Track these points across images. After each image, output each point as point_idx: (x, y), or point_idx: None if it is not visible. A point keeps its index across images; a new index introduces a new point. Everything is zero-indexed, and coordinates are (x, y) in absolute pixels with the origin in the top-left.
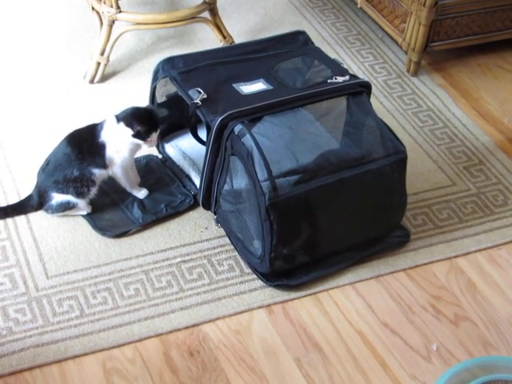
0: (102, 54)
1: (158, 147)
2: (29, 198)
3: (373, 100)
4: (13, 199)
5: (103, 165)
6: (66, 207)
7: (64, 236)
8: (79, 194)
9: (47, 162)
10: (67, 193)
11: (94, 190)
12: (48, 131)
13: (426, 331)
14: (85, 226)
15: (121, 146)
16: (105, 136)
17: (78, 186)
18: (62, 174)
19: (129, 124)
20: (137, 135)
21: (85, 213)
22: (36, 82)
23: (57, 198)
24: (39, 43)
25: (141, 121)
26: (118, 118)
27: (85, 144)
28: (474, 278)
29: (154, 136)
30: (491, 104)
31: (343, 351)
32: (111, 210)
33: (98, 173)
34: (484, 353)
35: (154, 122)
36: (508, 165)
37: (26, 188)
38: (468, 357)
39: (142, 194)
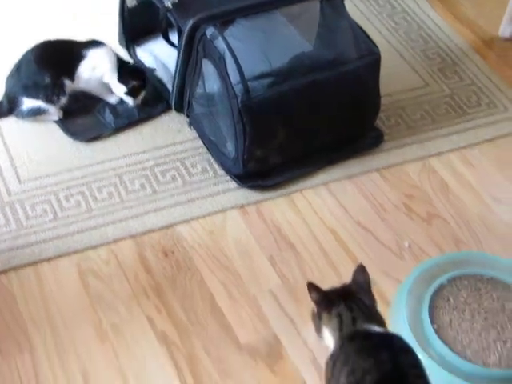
0: None
1: (129, 51)
2: None
3: (347, 2)
4: None
5: (73, 78)
6: (36, 112)
7: (36, 141)
8: (50, 101)
9: (17, 67)
10: (37, 98)
11: (64, 99)
12: (15, 38)
13: (398, 229)
14: (56, 131)
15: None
16: (89, 58)
17: (49, 93)
18: (33, 80)
19: (124, 81)
20: (129, 93)
21: (56, 118)
22: None
23: (27, 103)
24: None
25: (136, 79)
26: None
27: (60, 55)
28: (446, 177)
29: (142, 95)
30: (466, 5)
31: (316, 249)
32: (83, 115)
33: (69, 84)
34: (455, 249)
35: (145, 81)
36: (482, 66)
37: None
38: (439, 254)
39: (113, 99)
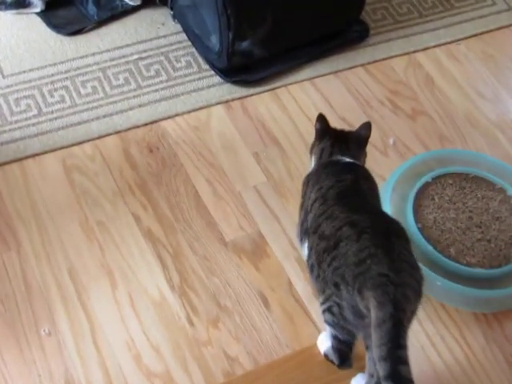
0: None
1: None
2: None
3: None
4: None
5: None
6: (20, 4)
7: (18, 34)
8: None
9: None
10: None
11: None
12: None
13: (383, 125)
14: (39, 24)
15: None
16: None
17: None
18: None
19: None
20: None
21: (38, 10)
22: None
23: None
24: None
25: None
26: None
27: None
28: (432, 72)
29: None
30: None
31: (301, 145)
32: (66, 7)
33: None
34: (440, 146)
35: None
36: None
37: None
38: (424, 150)
39: None
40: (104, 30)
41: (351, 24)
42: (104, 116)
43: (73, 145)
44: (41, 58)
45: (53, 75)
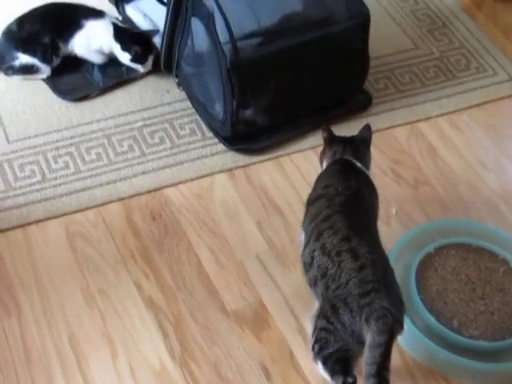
0: None
1: (118, 9)
2: None
3: None
4: None
5: (68, 43)
6: (28, 70)
7: (24, 100)
8: (45, 60)
9: (18, 23)
10: (34, 56)
11: (57, 60)
12: None
13: (386, 195)
14: (45, 90)
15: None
16: (91, 25)
17: (46, 52)
18: (34, 37)
19: (127, 49)
20: (134, 59)
21: (45, 76)
22: None
23: (22, 58)
24: None
25: (139, 44)
26: (116, 37)
27: (63, 19)
28: (434, 142)
29: (150, 60)
30: None
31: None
32: (72, 74)
33: (64, 48)
34: (442, 216)
35: (150, 45)
36: (472, 28)
37: None
38: (426, 220)
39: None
40: (109, 97)
41: (354, 93)
42: (108, 183)
43: (76, 211)
44: (46, 123)
45: (57, 141)
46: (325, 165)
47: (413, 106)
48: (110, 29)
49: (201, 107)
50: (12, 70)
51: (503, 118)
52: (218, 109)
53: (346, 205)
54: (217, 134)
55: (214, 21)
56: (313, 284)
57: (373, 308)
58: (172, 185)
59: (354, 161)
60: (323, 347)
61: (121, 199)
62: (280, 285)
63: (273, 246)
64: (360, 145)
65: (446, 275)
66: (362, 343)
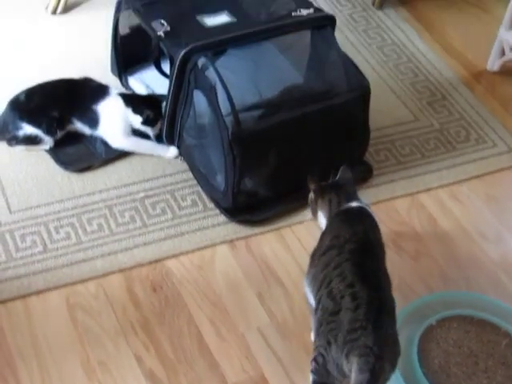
0: None
1: (121, 80)
2: None
3: (337, 33)
4: None
5: (93, 126)
6: (31, 141)
7: (27, 170)
8: (49, 132)
9: (27, 95)
10: (39, 127)
11: (61, 133)
12: (8, 62)
13: (387, 267)
14: (48, 160)
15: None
16: (102, 108)
17: (52, 125)
18: (42, 110)
19: (139, 112)
20: (146, 122)
21: (48, 147)
22: None
23: (26, 129)
24: None
25: (151, 108)
26: (126, 103)
27: (76, 97)
28: (435, 213)
29: (160, 123)
30: (455, 38)
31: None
32: (74, 144)
33: (80, 126)
34: (444, 288)
35: (160, 109)
36: (471, 100)
37: None
38: (428, 292)
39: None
40: (111, 168)
41: (355, 165)
42: (109, 253)
43: (77, 282)
44: (48, 194)
45: (59, 212)
46: (320, 214)
47: (413, 178)
48: (121, 104)
49: (202, 178)
50: (15, 141)
51: (503, 189)
52: (220, 180)
53: (355, 251)
54: (218, 205)
55: (216, 93)
56: (319, 326)
57: (355, 345)
58: (173, 256)
59: (352, 204)
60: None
61: (122, 270)
62: (281, 357)
63: (274, 318)
64: (348, 185)
65: (448, 348)
66: (345, 376)
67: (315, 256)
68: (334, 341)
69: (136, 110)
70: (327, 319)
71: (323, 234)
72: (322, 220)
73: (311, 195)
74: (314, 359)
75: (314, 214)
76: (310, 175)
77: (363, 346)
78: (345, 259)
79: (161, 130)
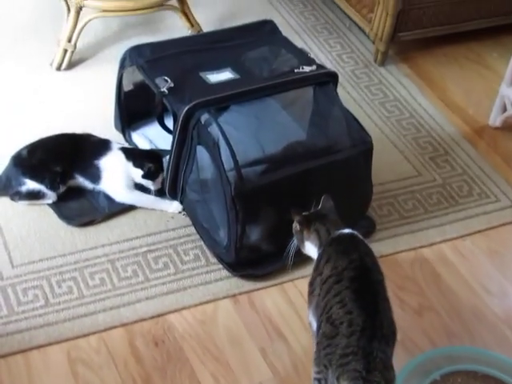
0: (69, 41)
1: (124, 136)
2: None
3: (340, 90)
4: None
5: (95, 181)
6: (34, 196)
7: (29, 224)
8: (52, 187)
9: (30, 150)
10: (41, 183)
11: (64, 188)
12: (12, 117)
13: None
14: (50, 215)
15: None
16: (104, 163)
17: (55, 180)
18: (45, 165)
19: (140, 165)
20: (147, 175)
21: (51, 201)
22: (2, 68)
23: (29, 184)
24: (5, 29)
25: (152, 161)
26: (127, 157)
27: (79, 151)
28: (438, 268)
29: (161, 177)
30: (457, 94)
31: (308, 340)
32: (77, 199)
33: (83, 181)
34: (448, 343)
35: (161, 163)
36: (473, 155)
37: None
38: (432, 347)
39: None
40: (114, 222)
41: (358, 219)
42: (111, 308)
43: (78, 337)
44: (50, 248)
45: (62, 266)
46: (308, 243)
47: (416, 233)
48: (123, 159)
49: (205, 233)
50: (18, 196)
51: (506, 243)
52: (222, 235)
53: (354, 279)
54: (221, 259)
55: (219, 149)
56: (318, 351)
57: (346, 369)
58: (175, 310)
59: (341, 232)
60: None
61: (124, 325)
62: None
63: (276, 373)
64: (330, 214)
65: None
66: None
67: (314, 285)
68: (329, 365)
69: (137, 164)
70: (324, 343)
71: (318, 262)
72: (312, 249)
73: (295, 225)
74: (316, 379)
75: (301, 243)
76: (292, 208)
77: (353, 370)
78: (345, 287)
79: (163, 185)
